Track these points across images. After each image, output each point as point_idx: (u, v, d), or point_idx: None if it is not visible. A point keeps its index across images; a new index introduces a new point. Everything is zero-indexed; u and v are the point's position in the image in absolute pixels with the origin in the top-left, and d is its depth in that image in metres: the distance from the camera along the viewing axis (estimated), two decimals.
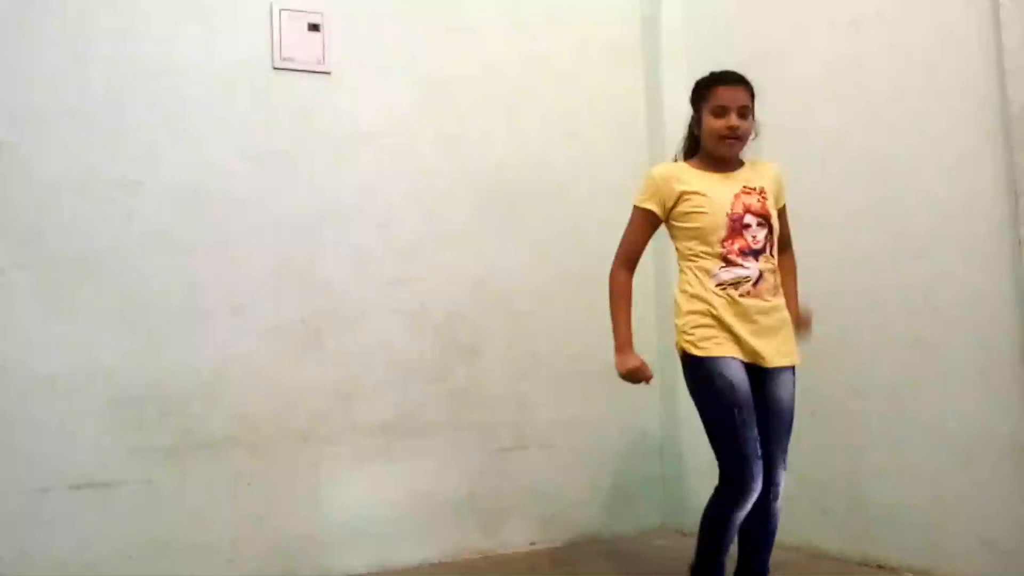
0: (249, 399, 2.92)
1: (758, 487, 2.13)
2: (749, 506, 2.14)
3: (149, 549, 2.73)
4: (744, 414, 2.14)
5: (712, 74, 2.30)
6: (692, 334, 2.19)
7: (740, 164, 2.30)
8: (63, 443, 2.66)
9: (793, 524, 3.13)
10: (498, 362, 3.34)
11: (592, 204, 3.52)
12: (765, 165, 2.33)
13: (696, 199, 2.21)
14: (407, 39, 3.29)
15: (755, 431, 2.14)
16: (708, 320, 2.18)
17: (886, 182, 2.85)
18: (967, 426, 2.60)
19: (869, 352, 2.88)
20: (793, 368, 2.28)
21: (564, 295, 3.47)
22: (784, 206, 2.36)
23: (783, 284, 2.29)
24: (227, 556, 2.84)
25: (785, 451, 2.26)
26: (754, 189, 2.24)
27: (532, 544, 3.32)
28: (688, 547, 3.18)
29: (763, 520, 2.23)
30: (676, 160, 2.37)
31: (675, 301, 2.27)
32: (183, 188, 2.89)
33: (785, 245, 2.37)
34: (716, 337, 2.17)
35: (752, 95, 2.28)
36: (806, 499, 3.10)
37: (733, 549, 2.28)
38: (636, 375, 2.29)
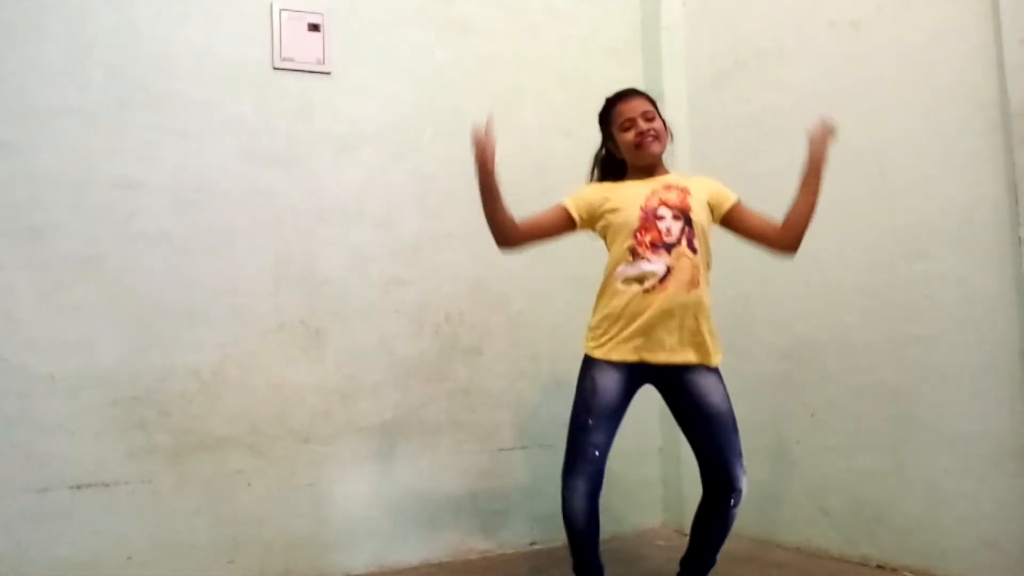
0: (249, 399, 2.92)
1: (579, 485, 2.31)
2: (581, 507, 2.32)
3: (149, 549, 2.73)
4: (595, 418, 2.24)
5: (607, 99, 2.40)
6: (589, 332, 2.28)
7: (665, 172, 2.36)
8: (63, 443, 2.66)
9: (793, 524, 3.14)
10: (498, 362, 3.34)
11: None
12: (693, 177, 2.39)
13: (612, 201, 2.28)
14: (407, 39, 3.29)
15: (602, 437, 2.26)
16: (605, 320, 2.25)
17: (886, 182, 2.85)
18: (967, 426, 2.60)
19: (869, 352, 2.88)
20: (718, 372, 2.29)
21: (564, 295, 3.47)
22: (736, 203, 2.34)
23: (794, 214, 2.24)
24: (227, 556, 2.84)
25: (739, 453, 2.26)
26: (675, 186, 2.28)
27: (532, 544, 3.32)
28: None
29: (721, 521, 2.29)
30: (593, 179, 2.46)
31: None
32: (183, 188, 2.89)
33: (767, 225, 2.32)
34: (606, 336, 2.23)
35: (653, 102, 2.35)
36: (806, 499, 3.10)
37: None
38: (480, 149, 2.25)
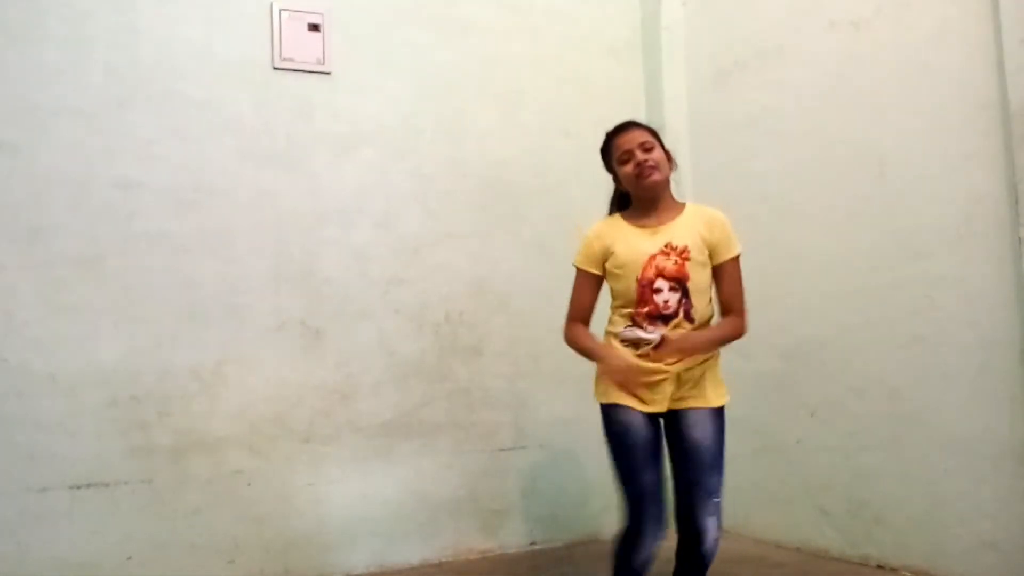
0: (249, 399, 2.92)
1: (655, 530, 2.09)
2: (647, 550, 2.11)
3: (149, 549, 2.73)
4: (639, 457, 2.12)
5: (607, 133, 2.33)
6: (598, 382, 2.25)
7: (674, 212, 2.22)
8: (63, 443, 2.66)
9: (793, 524, 3.14)
10: (498, 362, 3.34)
11: (592, 204, 3.50)
12: (706, 215, 2.23)
13: (615, 259, 2.22)
14: (407, 39, 3.29)
15: (654, 475, 2.11)
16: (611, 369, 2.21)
17: (886, 182, 2.85)
18: (967, 426, 2.60)
19: (869, 352, 2.88)
20: (715, 409, 2.18)
21: (564, 295, 3.45)
22: (731, 260, 2.21)
23: (714, 328, 2.20)
24: (227, 556, 2.84)
25: (711, 493, 2.12)
26: (675, 249, 2.17)
27: (532, 544, 3.32)
28: None
29: (696, 563, 2.18)
30: (611, 213, 2.36)
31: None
32: (183, 188, 2.89)
33: (729, 307, 2.23)
34: (612, 389, 2.20)
35: (652, 132, 2.26)
36: (806, 499, 3.10)
37: None
38: (627, 366, 2.16)
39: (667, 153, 2.25)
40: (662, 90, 3.64)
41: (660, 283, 2.16)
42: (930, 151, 2.73)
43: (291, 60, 3.08)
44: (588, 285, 2.32)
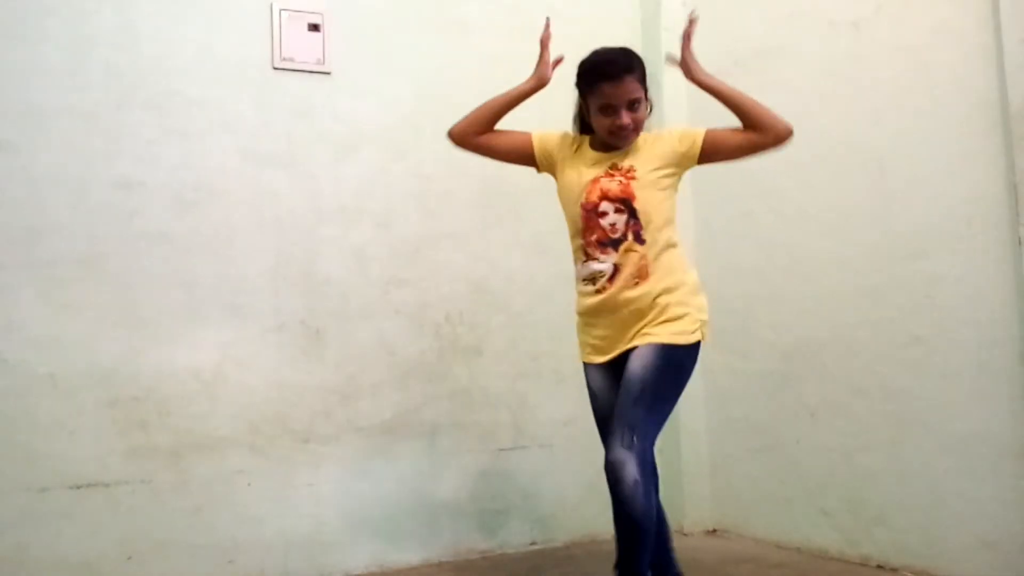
0: (249, 399, 2.92)
1: (619, 476, 2.03)
2: (622, 496, 2.06)
3: (149, 549, 2.73)
4: (602, 421, 2.18)
5: (595, 64, 2.16)
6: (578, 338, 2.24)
7: (630, 143, 2.16)
8: (63, 443, 2.66)
9: (793, 524, 3.14)
10: (498, 362, 3.34)
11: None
12: (657, 136, 2.18)
13: (560, 182, 2.22)
14: (407, 39, 3.29)
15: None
16: (577, 322, 2.23)
17: (886, 182, 2.85)
18: (967, 426, 2.60)
19: (869, 352, 2.88)
20: (664, 344, 2.04)
21: (564, 295, 3.44)
22: (706, 135, 2.15)
23: (751, 121, 2.11)
24: (227, 556, 2.84)
25: (632, 426, 1.97)
26: (619, 169, 2.09)
27: (532, 544, 3.32)
28: (688, 547, 3.19)
29: (617, 514, 2.08)
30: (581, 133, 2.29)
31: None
32: (183, 188, 2.89)
33: (737, 128, 2.15)
34: (583, 339, 2.21)
35: (642, 79, 2.11)
36: (806, 499, 3.10)
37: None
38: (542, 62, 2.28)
39: (649, 102, 2.15)
40: (662, 90, 3.64)
41: (605, 206, 2.09)
42: (930, 151, 2.73)
43: (291, 60, 3.08)
44: (520, 140, 2.32)
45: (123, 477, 2.73)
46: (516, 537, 3.30)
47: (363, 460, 3.07)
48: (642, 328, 2.07)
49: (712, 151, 2.17)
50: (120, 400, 2.75)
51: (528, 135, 2.29)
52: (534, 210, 3.46)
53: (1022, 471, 2.47)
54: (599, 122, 2.13)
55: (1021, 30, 2.46)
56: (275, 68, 3.06)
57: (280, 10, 3.07)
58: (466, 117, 2.31)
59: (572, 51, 3.63)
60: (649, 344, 2.04)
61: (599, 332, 2.15)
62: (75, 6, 2.80)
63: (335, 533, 3.00)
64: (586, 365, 2.22)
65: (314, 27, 3.12)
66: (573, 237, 2.18)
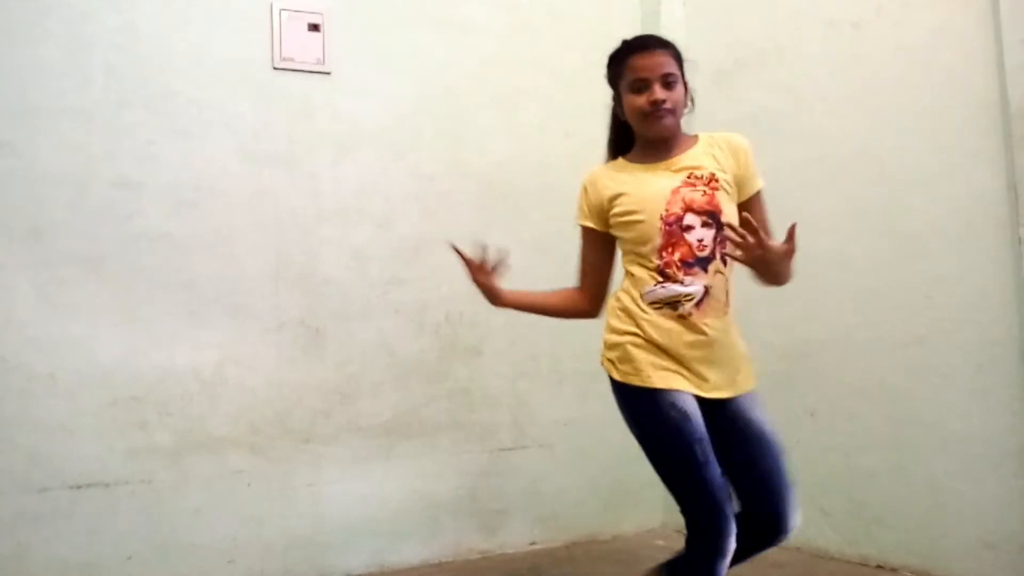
0: (249, 399, 2.92)
1: (732, 533, 1.74)
2: (730, 555, 1.75)
3: (149, 549, 2.73)
4: (707, 451, 1.76)
5: (624, 43, 1.89)
6: (624, 356, 1.85)
7: (688, 144, 1.88)
8: (63, 443, 2.66)
9: None
10: (498, 362, 3.34)
11: None
12: (726, 141, 1.88)
13: (627, 201, 1.84)
14: (407, 39, 3.29)
15: (718, 470, 1.77)
16: (644, 342, 1.83)
17: (886, 182, 2.85)
18: (967, 426, 2.60)
19: (869, 352, 2.88)
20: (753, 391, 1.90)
21: None
22: (758, 192, 1.90)
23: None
24: (227, 556, 2.84)
25: (792, 485, 1.87)
26: (700, 178, 1.81)
27: (532, 544, 3.32)
28: None
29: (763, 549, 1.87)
30: (611, 157, 2.00)
31: (607, 312, 1.95)
32: (183, 188, 2.89)
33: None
34: (657, 366, 1.81)
35: (678, 59, 1.87)
36: (806, 499, 3.09)
37: None
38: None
39: (687, 87, 1.88)
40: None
41: (690, 218, 1.78)
42: (930, 151, 2.73)
43: (291, 60, 3.08)
44: (590, 242, 1.93)
45: (123, 477, 2.73)
46: (516, 537, 3.30)
47: (363, 460, 3.07)
48: (739, 371, 1.87)
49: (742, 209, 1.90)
50: (120, 400, 2.75)
51: (590, 232, 1.96)
52: (534, 210, 3.47)
53: (1022, 471, 2.48)
54: (632, 104, 1.83)
55: (1021, 30, 2.46)
56: (275, 68, 3.06)
57: (280, 10, 3.07)
58: (575, 310, 2.07)
59: (571, 51, 3.66)
60: (754, 394, 1.88)
61: (702, 367, 1.81)
62: (75, 6, 2.80)
63: (335, 533, 3.00)
64: (653, 391, 1.81)
65: (314, 27, 3.12)
66: (640, 261, 1.85)
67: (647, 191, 1.83)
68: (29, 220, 2.69)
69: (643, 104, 1.82)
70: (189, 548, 2.78)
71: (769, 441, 1.84)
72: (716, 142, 1.88)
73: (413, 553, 3.11)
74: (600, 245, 1.94)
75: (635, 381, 1.83)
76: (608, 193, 1.88)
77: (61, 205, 2.73)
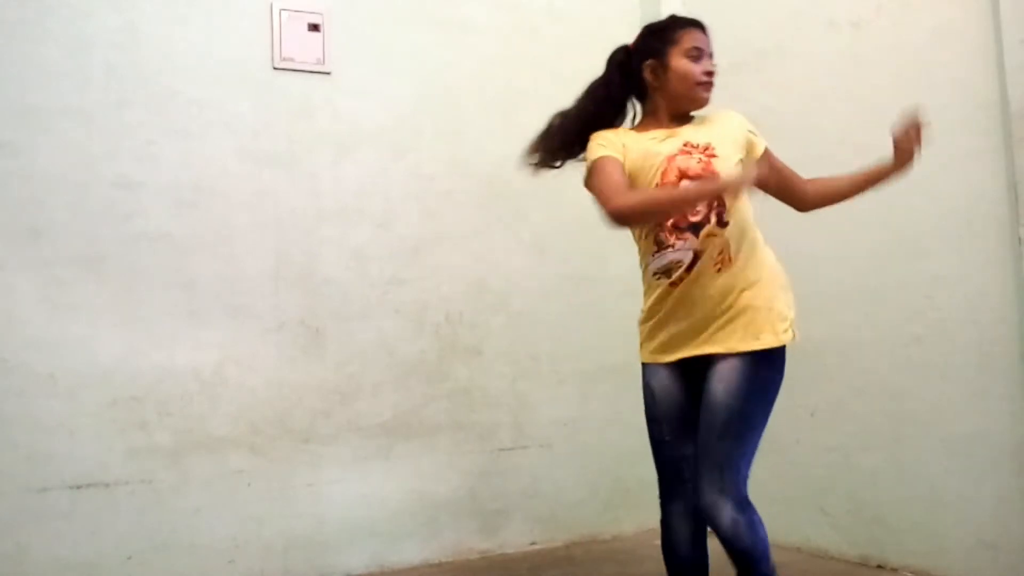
0: (249, 399, 2.92)
1: (680, 514, 1.89)
2: (681, 537, 1.90)
3: (149, 549, 2.73)
4: (664, 430, 1.89)
5: (674, 17, 2.03)
6: (640, 334, 1.97)
7: (686, 121, 1.97)
8: (63, 443, 2.66)
9: (793, 524, 3.14)
10: (498, 362, 3.34)
11: (592, 204, 3.51)
12: (719, 115, 1.98)
13: (628, 165, 1.88)
14: (407, 39, 3.29)
15: (683, 450, 1.86)
16: (644, 319, 1.94)
17: (886, 182, 2.84)
18: (967, 426, 2.60)
19: (869, 352, 2.88)
20: (746, 355, 1.83)
21: (564, 295, 3.47)
22: (765, 152, 2.02)
23: (831, 190, 2.07)
24: (227, 556, 2.84)
25: (722, 466, 1.79)
26: (696, 147, 1.87)
27: (532, 544, 3.32)
28: None
29: (731, 555, 1.83)
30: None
31: None
32: (183, 188, 2.89)
33: (800, 182, 2.08)
34: (649, 338, 1.92)
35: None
36: (806, 499, 3.10)
37: None
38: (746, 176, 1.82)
39: None
40: None
41: (684, 185, 1.83)
42: (930, 151, 2.72)
43: (291, 60, 3.08)
44: (619, 167, 1.88)
45: (123, 477, 2.73)
46: (516, 537, 3.30)
47: (363, 460, 3.07)
48: (720, 328, 1.83)
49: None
50: (120, 400, 2.75)
51: (614, 159, 1.90)
52: (534, 210, 3.47)
53: (1022, 471, 2.47)
54: (685, 69, 1.90)
55: (1021, 30, 2.46)
56: (275, 68, 3.06)
57: (280, 10, 3.07)
58: (644, 206, 1.87)
59: (571, 51, 3.65)
60: (730, 358, 1.81)
61: (670, 329, 1.87)
62: (75, 6, 2.80)
63: (335, 533, 3.00)
64: (647, 366, 1.94)
65: (314, 27, 3.12)
66: (642, 228, 1.91)
67: (645, 159, 1.88)
68: (29, 220, 2.69)
69: (699, 72, 1.91)
70: (189, 548, 2.78)
71: (713, 413, 1.82)
72: (713, 118, 1.98)
73: (413, 553, 3.11)
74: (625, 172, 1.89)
75: (640, 358, 1.98)
76: (623, 141, 1.92)
77: (61, 205, 2.73)
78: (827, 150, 3.04)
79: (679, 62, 1.92)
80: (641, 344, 1.97)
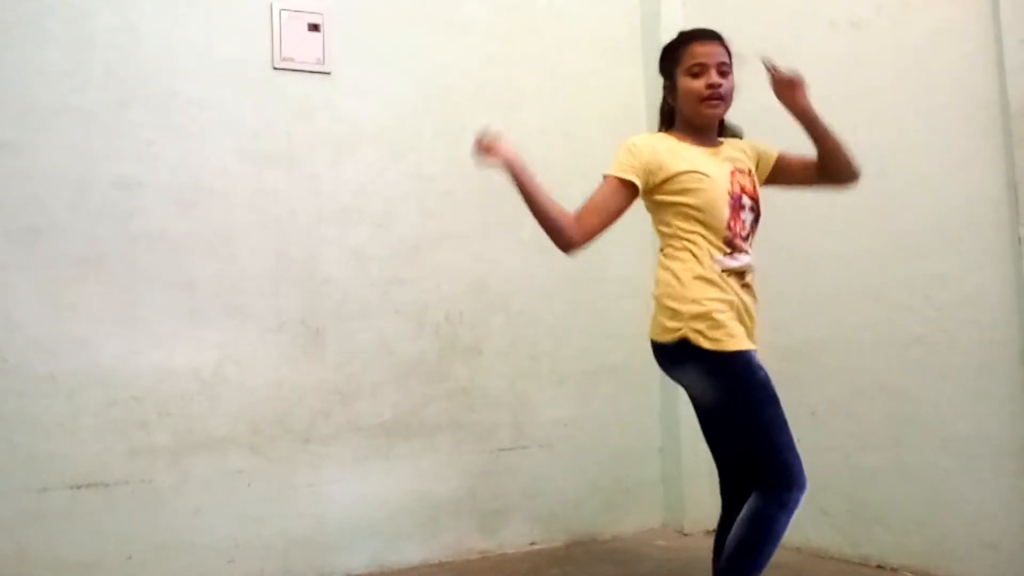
0: (249, 399, 2.92)
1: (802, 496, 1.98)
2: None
3: (149, 549, 2.73)
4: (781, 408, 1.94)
5: (682, 33, 2.06)
6: (715, 324, 1.87)
7: (719, 142, 2.06)
8: (63, 443, 2.66)
9: (793, 524, 3.13)
10: (498, 362, 3.34)
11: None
12: (739, 143, 2.11)
13: (696, 165, 1.92)
14: (407, 39, 3.29)
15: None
16: (726, 307, 1.90)
17: (886, 182, 2.84)
18: (967, 426, 2.60)
19: (869, 352, 2.88)
20: None
21: (564, 295, 3.47)
22: (775, 156, 2.11)
23: (821, 154, 2.05)
24: (227, 556, 2.84)
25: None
26: (744, 171, 2.00)
27: (532, 544, 3.32)
28: (688, 547, 3.19)
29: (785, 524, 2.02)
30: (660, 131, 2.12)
31: (666, 283, 1.95)
32: (183, 187, 2.89)
33: (809, 161, 2.09)
34: (734, 327, 1.89)
35: (729, 53, 2.03)
36: (806, 499, 3.09)
37: None
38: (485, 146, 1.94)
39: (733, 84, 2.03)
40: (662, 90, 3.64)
41: (745, 200, 1.94)
42: (930, 151, 2.73)
43: (291, 60, 3.08)
44: (620, 196, 1.92)
45: (123, 477, 2.73)
46: (516, 537, 3.30)
47: (363, 460, 3.07)
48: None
49: (780, 174, 2.10)
50: (120, 400, 2.75)
51: (625, 184, 1.94)
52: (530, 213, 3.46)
53: (1022, 471, 2.48)
54: (688, 88, 1.95)
55: (1021, 30, 2.46)
56: (275, 68, 3.06)
57: (280, 10, 3.07)
58: (548, 234, 1.99)
59: (571, 51, 3.66)
60: None
61: (746, 324, 1.96)
62: (75, 6, 2.80)
63: (335, 533, 3.00)
64: (744, 352, 1.89)
65: (314, 27, 3.12)
66: (709, 228, 1.92)
67: (713, 168, 1.94)
68: (29, 220, 2.69)
69: (700, 88, 1.94)
70: (189, 548, 2.78)
71: None
72: (736, 144, 2.09)
73: (413, 553, 3.11)
74: (626, 201, 1.96)
75: (730, 346, 1.88)
76: (671, 159, 1.93)
77: (61, 205, 2.73)
78: None
79: (682, 82, 1.98)
80: (735, 335, 1.88)
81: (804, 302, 3.12)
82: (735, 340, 1.88)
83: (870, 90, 2.91)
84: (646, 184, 1.95)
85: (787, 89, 2.04)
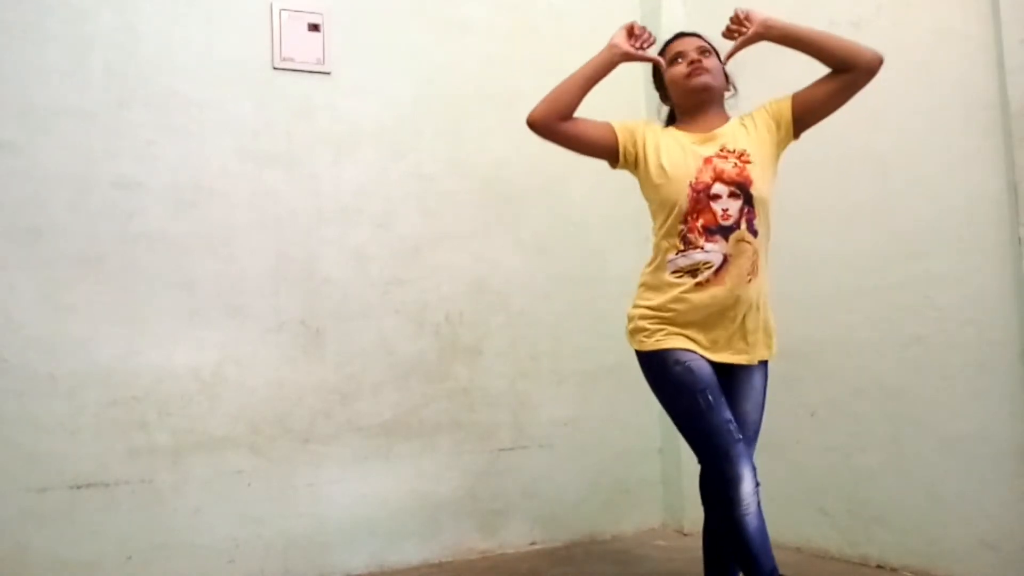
0: (249, 399, 2.92)
1: (747, 475, 1.86)
2: (747, 500, 1.85)
3: (149, 549, 2.73)
4: (710, 397, 1.87)
5: (668, 39, 2.18)
6: (641, 328, 1.96)
7: (723, 122, 2.05)
8: (63, 443, 2.66)
9: (793, 524, 3.14)
10: (498, 362, 3.34)
11: (592, 204, 3.53)
12: (749, 116, 2.07)
13: (661, 160, 1.96)
14: (407, 39, 3.30)
15: (727, 414, 1.88)
16: (655, 317, 1.95)
17: (886, 182, 2.85)
18: (967, 426, 2.60)
19: (869, 352, 2.88)
20: (764, 364, 2.04)
21: (564, 295, 3.47)
22: (790, 100, 2.10)
23: (838, 56, 2.04)
24: (227, 556, 2.84)
25: (754, 468, 1.96)
26: (732, 152, 1.95)
27: (532, 544, 3.32)
28: (688, 547, 3.19)
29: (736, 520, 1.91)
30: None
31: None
32: (183, 188, 2.89)
33: (820, 82, 2.11)
34: (670, 331, 1.93)
35: (712, 47, 2.10)
36: (806, 499, 3.10)
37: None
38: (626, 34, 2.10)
39: (726, 74, 2.09)
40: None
41: (718, 187, 1.90)
42: (930, 151, 2.73)
43: (291, 60, 3.08)
44: (599, 131, 2.03)
45: (123, 477, 2.73)
46: (516, 537, 3.30)
47: (363, 460, 3.07)
48: (757, 340, 1.97)
49: (805, 112, 2.06)
50: (120, 400, 2.75)
51: (609, 125, 2.05)
52: (534, 210, 3.47)
53: (1022, 471, 2.48)
54: (674, 75, 2.04)
55: (1021, 30, 2.46)
56: (275, 68, 3.06)
57: (280, 10, 3.07)
58: (545, 99, 2.10)
59: (571, 51, 3.64)
60: (760, 367, 2.01)
61: (710, 334, 1.93)
62: (75, 6, 2.80)
63: (335, 533, 3.00)
64: (670, 350, 1.93)
65: (314, 27, 3.12)
66: (670, 224, 1.94)
67: (683, 157, 1.96)
68: (29, 220, 2.69)
69: (683, 68, 2.02)
70: (189, 548, 2.78)
71: (749, 415, 2.01)
72: (747, 115, 2.07)
73: (413, 553, 3.11)
74: (597, 135, 2.03)
75: (647, 346, 1.95)
76: (654, 140, 2.01)
77: (61, 205, 2.73)
78: (827, 150, 3.04)
79: (668, 73, 2.08)
80: (648, 336, 1.95)
81: (804, 302, 3.12)
82: (652, 341, 1.94)
83: (870, 90, 2.89)
84: (624, 151, 2.03)
85: (741, 26, 2.04)
